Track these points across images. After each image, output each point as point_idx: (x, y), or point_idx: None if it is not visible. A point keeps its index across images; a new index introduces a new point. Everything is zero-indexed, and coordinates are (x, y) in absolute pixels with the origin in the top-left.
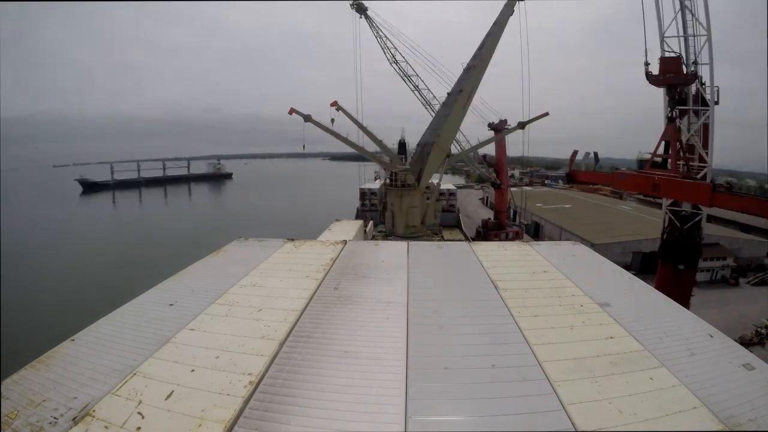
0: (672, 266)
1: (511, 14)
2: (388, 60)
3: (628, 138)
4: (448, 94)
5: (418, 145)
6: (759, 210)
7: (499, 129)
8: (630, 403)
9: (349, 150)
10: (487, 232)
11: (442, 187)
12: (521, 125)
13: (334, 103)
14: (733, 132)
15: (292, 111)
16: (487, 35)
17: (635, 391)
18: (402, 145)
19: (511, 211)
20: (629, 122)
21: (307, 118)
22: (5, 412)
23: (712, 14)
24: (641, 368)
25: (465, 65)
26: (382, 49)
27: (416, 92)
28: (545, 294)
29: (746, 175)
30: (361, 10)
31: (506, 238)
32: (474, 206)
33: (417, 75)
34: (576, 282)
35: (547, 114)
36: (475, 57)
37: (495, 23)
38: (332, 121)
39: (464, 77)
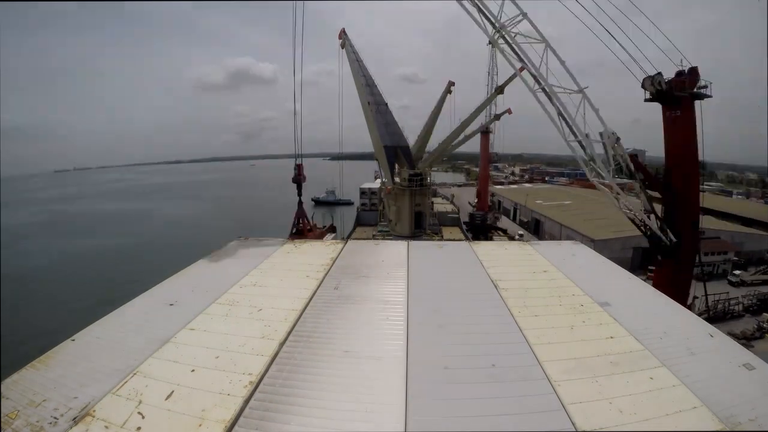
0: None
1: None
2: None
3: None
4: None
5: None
6: None
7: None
8: (630, 402)
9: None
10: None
11: None
12: (499, 90)
13: None
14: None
15: None
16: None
17: (635, 390)
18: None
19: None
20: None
21: None
22: (5, 412)
23: None
24: (641, 368)
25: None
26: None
27: None
28: (545, 294)
29: (746, 168)
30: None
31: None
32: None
33: None
34: (576, 282)
35: (522, 68)
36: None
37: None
38: None
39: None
